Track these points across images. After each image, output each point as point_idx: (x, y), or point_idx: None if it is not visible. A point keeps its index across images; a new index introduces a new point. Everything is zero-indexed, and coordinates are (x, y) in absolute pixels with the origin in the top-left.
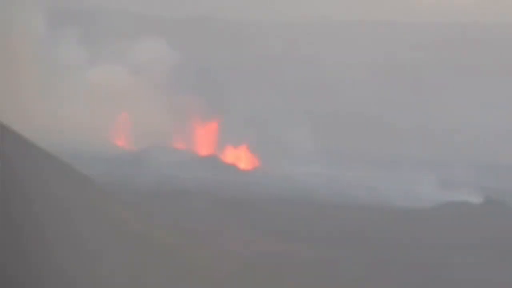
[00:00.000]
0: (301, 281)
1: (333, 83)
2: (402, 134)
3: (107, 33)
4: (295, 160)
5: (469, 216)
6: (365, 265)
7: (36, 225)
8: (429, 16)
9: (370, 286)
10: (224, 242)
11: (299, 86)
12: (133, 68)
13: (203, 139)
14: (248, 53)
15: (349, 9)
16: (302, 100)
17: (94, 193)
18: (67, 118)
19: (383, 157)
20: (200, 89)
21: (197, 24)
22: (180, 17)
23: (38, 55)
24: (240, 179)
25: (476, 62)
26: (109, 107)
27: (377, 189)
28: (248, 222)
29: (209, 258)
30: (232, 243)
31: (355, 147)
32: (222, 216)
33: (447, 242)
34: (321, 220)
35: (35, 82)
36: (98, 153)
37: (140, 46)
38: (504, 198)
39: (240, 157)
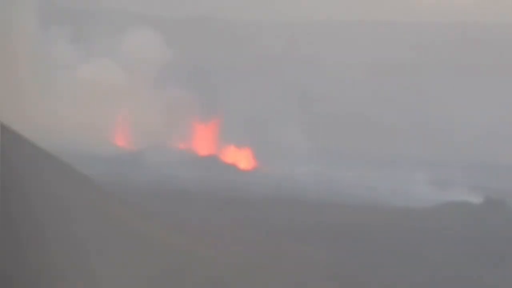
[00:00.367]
0: (301, 280)
1: (332, 83)
2: (402, 134)
3: (106, 32)
4: (295, 160)
5: (469, 216)
6: (365, 265)
7: (36, 225)
8: (429, 16)
9: (370, 286)
10: (224, 242)
11: (299, 86)
12: (133, 68)
13: (203, 139)
14: (247, 53)
15: (349, 9)
16: (302, 100)
17: (94, 193)
18: (66, 118)
19: (383, 157)
20: (199, 88)
21: (196, 23)
22: (180, 17)
23: (35, 54)
24: (240, 179)
25: (476, 62)
26: (109, 107)
27: (376, 189)
28: (248, 222)
29: (209, 258)
30: (232, 243)
31: (355, 147)
32: (222, 216)
33: (447, 242)
34: (321, 220)
35: (33, 81)
36: (98, 152)
37: (140, 46)
38: (504, 198)
39: (239, 157)
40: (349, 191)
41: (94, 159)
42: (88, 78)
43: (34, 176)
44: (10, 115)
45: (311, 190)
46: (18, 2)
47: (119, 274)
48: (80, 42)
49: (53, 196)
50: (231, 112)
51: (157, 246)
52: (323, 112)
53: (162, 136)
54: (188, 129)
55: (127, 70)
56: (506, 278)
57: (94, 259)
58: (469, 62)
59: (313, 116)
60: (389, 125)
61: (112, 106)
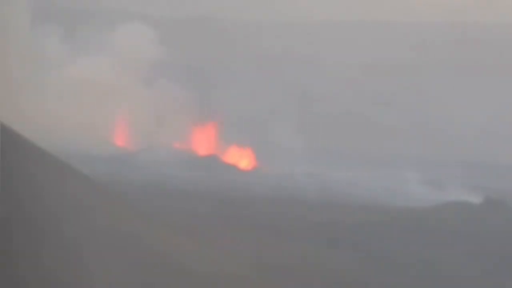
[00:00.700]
0: (301, 280)
1: (332, 83)
2: (401, 134)
3: (104, 31)
4: (294, 160)
5: (469, 216)
6: (365, 265)
7: (36, 225)
8: (429, 16)
9: (370, 286)
10: (224, 242)
11: (298, 86)
12: (132, 68)
13: (202, 138)
14: (247, 53)
15: (349, 9)
16: (301, 100)
17: (93, 192)
18: (65, 118)
19: (383, 157)
20: (199, 88)
21: (196, 23)
22: (179, 17)
23: (29, 53)
24: (239, 179)
25: (476, 62)
26: (108, 106)
27: (376, 189)
28: (248, 222)
29: (209, 258)
30: (232, 243)
31: (355, 147)
32: (222, 216)
33: (447, 242)
34: (321, 220)
35: (29, 80)
36: (98, 152)
37: (140, 46)
38: (504, 198)
39: (239, 157)
40: (349, 191)
41: (93, 159)
42: (87, 78)
43: (34, 176)
44: (9, 115)
45: (310, 190)
46: (13, 2)
47: (119, 274)
48: (76, 41)
49: (53, 196)
50: (231, 112)
51: (157, 246)
52: (323, 112)
53: (161, 136)
54: (188, 129)
55: (126, 70)
56: (506, 278)
57: (93, 259)
58: (469, 62)
59: (313, 116)
60: (389, 125)
61: (111, 105)
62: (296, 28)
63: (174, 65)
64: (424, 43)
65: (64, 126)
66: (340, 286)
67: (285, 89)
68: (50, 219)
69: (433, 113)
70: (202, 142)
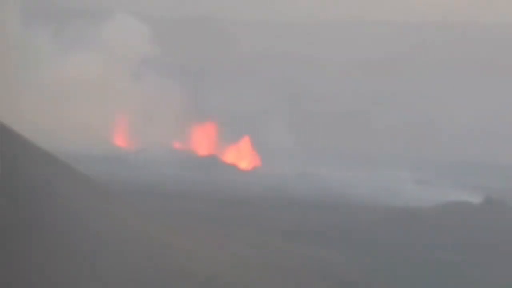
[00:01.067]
0: (301, 280)
1: (332, 83)
2: (402, 134)
3: (101, 30)
4: (293, 160)
5: (469, 216)
6: (365, 265)
7: (36, 225)
8: (429, 16)
9: (370, 286)
10: (224, 242)
11: (298, 86)
12: (132, 67)
13: (202, 138)
14: (246, 53)
15: (349, 9)
16: (300, 100)
17: (93, 192)
18: (64, 118)
19: (382, 157)
20: (198, 88)
21: (195, 23)
22: (179, 17)
23: (24, 52)
24: (239, 179)
25: (476, 62)
26: (106, 106)
27: (376, 189)
28: (248, 222)
29: (209, 258)
30: (232, 243)
31: (355, 147)
32: (222, 216)
33: (447, 242)
34: (320, 220)
35: (28, 80)
36: (98, 152)
37: (139, 46)
38: (504, 198)
39: (239, 157)
40: (349, 191)
41: (93, 159)
42: (87, 78)
43: (34, 176)
44: (9, 115)
45: (309, 190)
46: (2, 2)
47: (119, 273)
48: (71, 39)
49: (53, 196)
50: (230, 112)
51: (157, 246)
52: (322, 112)
53: (160, 136)
54: (187, 129)
55: (126, 71)
56: (506, 278)
57: (93, 258)
58: (469, 62)
59: (313, 116)
60: (389, 125)
61: (108, 105)
62: (296, 28)
63: (174, 65)
64: (424, 43)
65: (63, 126)
66: (340, 286)
67: (284, 89)
68: (49, 218)
69: (433, 113)
70: (201, 142)
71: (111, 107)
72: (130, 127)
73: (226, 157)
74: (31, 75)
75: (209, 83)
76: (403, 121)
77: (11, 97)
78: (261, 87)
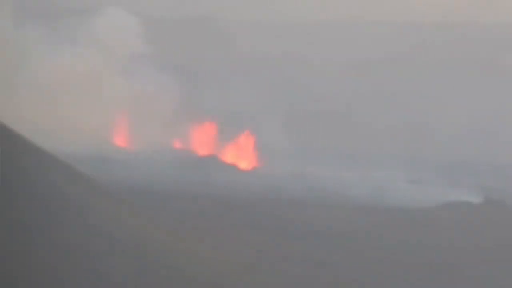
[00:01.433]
0: (301, 280)
1: (332, 83)
2: (401, 134)
3: (100, 29)
4: (291, 160)
5: (469, 216)
6: (365, 265)
7: (36, 225)
8: (429, 16)
9: (369, 286)
10: (224, 242)
11: (297, 86)
12: (131, 68)
13: (201, 138)
14: (246, 53)
15: (349, 9)
16: (301, 100)
17: (93, 192)
18: (66, 118)
19: (382, 157)
20: (198, 88)
21: (194, 23)
22: (179, 17)
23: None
24: (239, 179)
25: (476, 62)
26: (106, 106)
27: (376, 189)
28: (248, 222)
29: (209, 258)
30: (232, 243)
31: (356, 147)
32: (222, 216)
33: (447, 242)
34: (320, 220)
35: (32, 81)
36: (98, 152)
37: (139, 46)
38: (504, 198)
39: (238, 157)
40: (349, 192)
41: (93, 159)
42: (86, 77)
43: (34, 176)
44: (9, 115)
45: (307, 190)
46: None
47: (118, 274)
48: (67, 36)
49: (53, 196)
50: (230, 112)
51: (156, 246)
52: (323, 112)
53: (160, 136)
54: (186, 129)
55: (126, 71)
56: (506, 278)
57: (93, 258)
58: (469, 62)
59: (313, 116)
60: (388, 125)
61: (111, 106)
62: (296, 28)
63: (173, 64)
64: (424, 43)
65: (61, 126)
66: (340, 286)
67: (284, 89)
68: (49, 218)
69: (433, 113)
70: (201, 142)
71: (108, 106)
72: (129, 127)
73: (225, 156)
74: (24, 73)
75: (209, 82)
76: (403, 121)
77: (7, 96)
78: (261, 87)
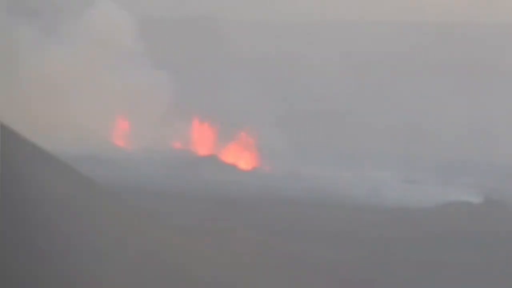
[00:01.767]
0: (301, 281)
1: (332, 83)
2: (401, 134)
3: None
4: (292, 159)
5: (469, 216)
6: (365, 265)
7: (36, 226)
8: (429, 16)
9: (369, 286)
10: (224, 242)
11: (298, 86)
12: (130, 68)
13: (201, 138)
14: (245, 53)
15: (348, 9)
16: (300, 100)
17: (93, 192)
18: (67, 118)
19: (382, 157)
20: (197, 88)
21: (194, 23)
22: (178, 17)
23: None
24: (239, 179)
25: (475, 62)
26: (109, 107)
27: (375, 189)
28: (248, 222)
29: (209, 258)
30: (232, 243)
31: (356, 147)
32: (222, 216)
33: (447, 242)
34: (320, 220)
35: (32, 81)
36: (98, 153)
37: (138, 46)
38: (504, 198)
39: (238, 157)
40: (349, 192)
41: (93, 159)
42: (86, 78)
43: (34, 176)
44: (10, 115)
45: (312, 190)
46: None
47: (119, 273)
48: (61, 33)
49: (53, 196)
50: (229, 112)
51: (156, 246)
52: (322, 112)
53: (158, 135)
54: (186, 129)
55: (126, 71)
56: (506, 278)
57: (93, 259)
58: (468, 62)
59: (313, 116)
60: (388, 125)
61: (111, 106)
62: (296, 28)
63: (173, 64)
64: (424, 43)
65: (59, 125)
66: (340, 286)
67: (284, 89)
68: (49, 219)
69: (432, 113)
70: (201, 141)
71: (107, 106)
72: (129, 126)
73: (225, 156)
74: (20, 72)
75: (209, 82)
76: (402, 121)
77: (12, 96)
78: (261, 87)
